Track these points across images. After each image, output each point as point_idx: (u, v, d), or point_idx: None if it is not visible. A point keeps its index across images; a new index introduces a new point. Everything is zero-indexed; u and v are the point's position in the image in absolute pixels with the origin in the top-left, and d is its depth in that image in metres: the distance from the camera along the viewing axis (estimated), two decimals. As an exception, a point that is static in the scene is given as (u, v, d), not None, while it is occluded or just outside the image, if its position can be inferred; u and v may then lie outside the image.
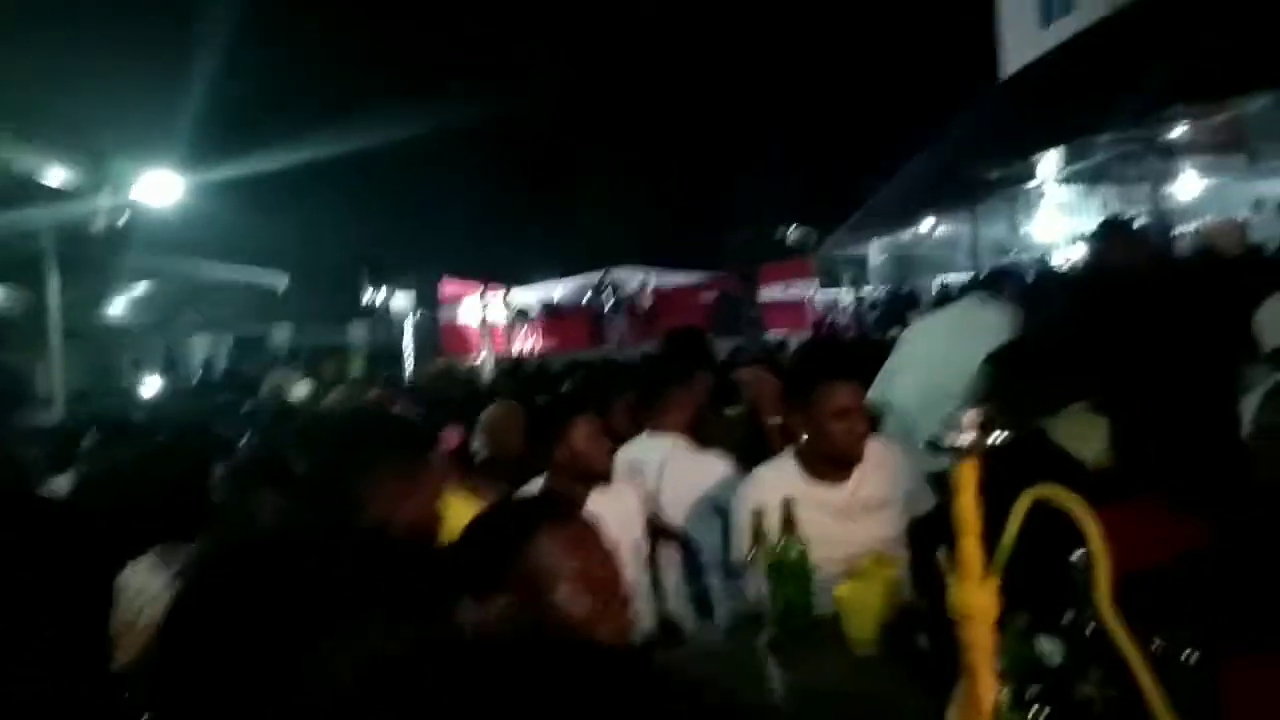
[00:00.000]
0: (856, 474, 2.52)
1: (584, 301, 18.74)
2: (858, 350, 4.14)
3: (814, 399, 2.46)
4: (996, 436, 2.06)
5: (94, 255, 9.51)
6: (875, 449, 2.57)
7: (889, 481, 2.57)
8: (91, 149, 7.59)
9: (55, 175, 7.43)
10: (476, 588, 1.32)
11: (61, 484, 3.34)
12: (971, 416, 1.77)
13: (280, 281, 12.90)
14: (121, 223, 8.15)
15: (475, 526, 1.48)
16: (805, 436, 2.52)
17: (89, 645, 1.27)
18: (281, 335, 19.04)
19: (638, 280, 19.18)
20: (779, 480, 2.48)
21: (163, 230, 9.41)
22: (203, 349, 17.28)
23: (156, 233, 9.41)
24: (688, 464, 2.94)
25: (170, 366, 14.74)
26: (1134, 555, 1.71)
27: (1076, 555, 1.46)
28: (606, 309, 18.42)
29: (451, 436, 3.14)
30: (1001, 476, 1.87)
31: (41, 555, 1.48)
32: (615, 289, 18.78)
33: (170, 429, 4.01)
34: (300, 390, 8.71)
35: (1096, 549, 1.40)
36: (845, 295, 16.44)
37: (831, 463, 2.51)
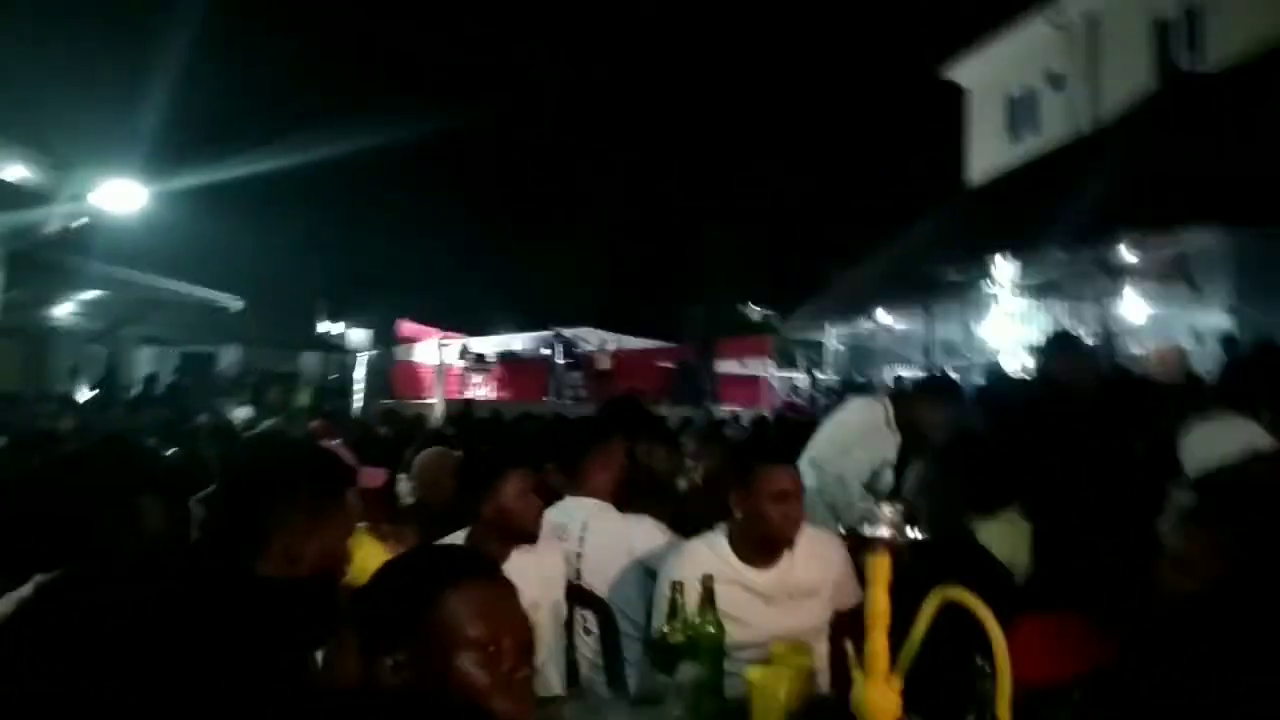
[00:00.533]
0: (786, 559, 2.51)
1: (542, 354, 18.70)
2: (804, 434, 4.17)
3: (752, 480, 2.46)
4: (916, 532, 2.08)
5: (45, 257, 9.30)
6: (809, 536, 2.56)
7: (819, 570, 2.56)
8: (55, 152, 7.49)
9: (14, 174, 7.31)
10: (373, 640, 1.25)
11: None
12: (890, 511, 1.77)
13: (234, 303, 12.69)
14: (77, 226, 8.01)
15: (385, 573, 1.42)
16: (739, 515, 2.51)
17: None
18: (231, 357, 18.68)
19: (597, 340, 19.24)
20: (706, 556, 2.45)
21: (119, 239, 9.26)
22: (147, 363, 16.86)
23: (113, 241, 9.25)
24: (610, 526, 2.91)
25: (110, 377, 14.31)
26: (1041, 668, 1.72)
27: (981, 661, 1.46)
28: (562, 364, 18.39)
29: (376, 476, 3.07)
30: (923, 574, 1.87)
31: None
32: (572, 346, 18.80)
33: (92, 439, 3.88)
34: (241, 414, 8.53)
35: (1001, 657, 1.40)
36: (801, 378, 16.61)
37: (763, 545, 2.49)
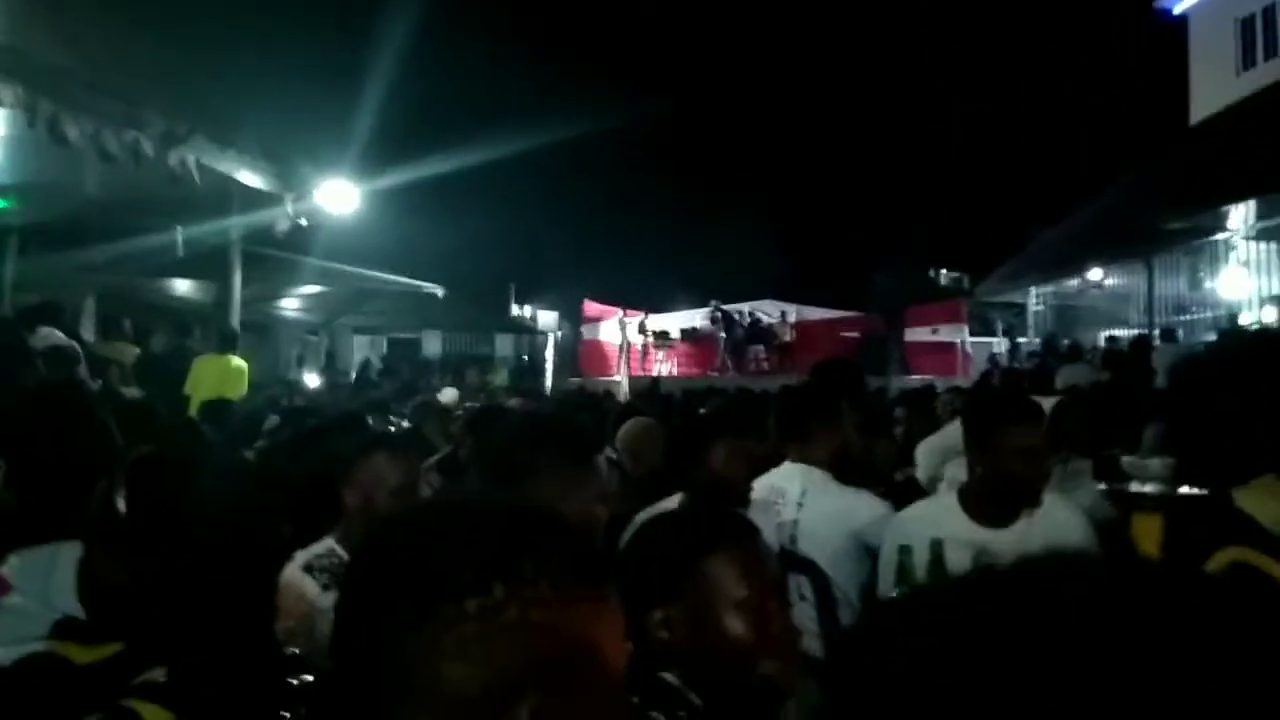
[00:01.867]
0: (1024, 521, 2.37)
1: (723, 330, 18.73)
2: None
3: (994, 435, 2.34)
4: (1186, 490, 1.90)
5: (275, 256, 10.27)
6: (1049, 500, 2.42)
7: (1057, 534, 2.40)
8: (280, 158, 8.21)
9: (247, 179, 8.07)
10: (640, 596, 1.28)
11: (246, 457, 3.61)
12: (1160, 465, 1.62)
13: (436, 290, 13.53)
14: (302, 225, 8.76)
15: (651, 533, 1.47)
16: (978, 473, 2.40)
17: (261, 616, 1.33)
18: (433, 341, 19.97)
19: (779, 313, 19.04)
20: (937, 516, 2.36)
21: (335, 236, 10.08)
22: (360, 349, 18.35)
23: (330, 238, 10.09)
24: (829, 497, 2.85)
25: (330, 363, 15.68)
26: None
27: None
28: (742, 337, 18.35)
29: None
30: (1186, 535, 1.71)
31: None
32: (756, 320, 18.72)
33: (333, 417, 4.26)
34: (447, 396, 9.07)
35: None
36: (999, 344, 15.69)
37: (1002, 504, 2.37)
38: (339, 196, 9.13)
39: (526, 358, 19.24)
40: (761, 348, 18.36)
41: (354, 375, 15.08)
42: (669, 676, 1.23)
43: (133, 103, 6.41)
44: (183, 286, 11.44)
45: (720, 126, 27.28)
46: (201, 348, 8.71)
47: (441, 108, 21.36)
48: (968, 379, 12.40)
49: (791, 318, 19.06)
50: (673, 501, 2.68)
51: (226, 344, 8.05)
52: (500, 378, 14.64)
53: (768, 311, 19.13)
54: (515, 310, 18.19)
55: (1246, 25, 14.48)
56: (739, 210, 24.84)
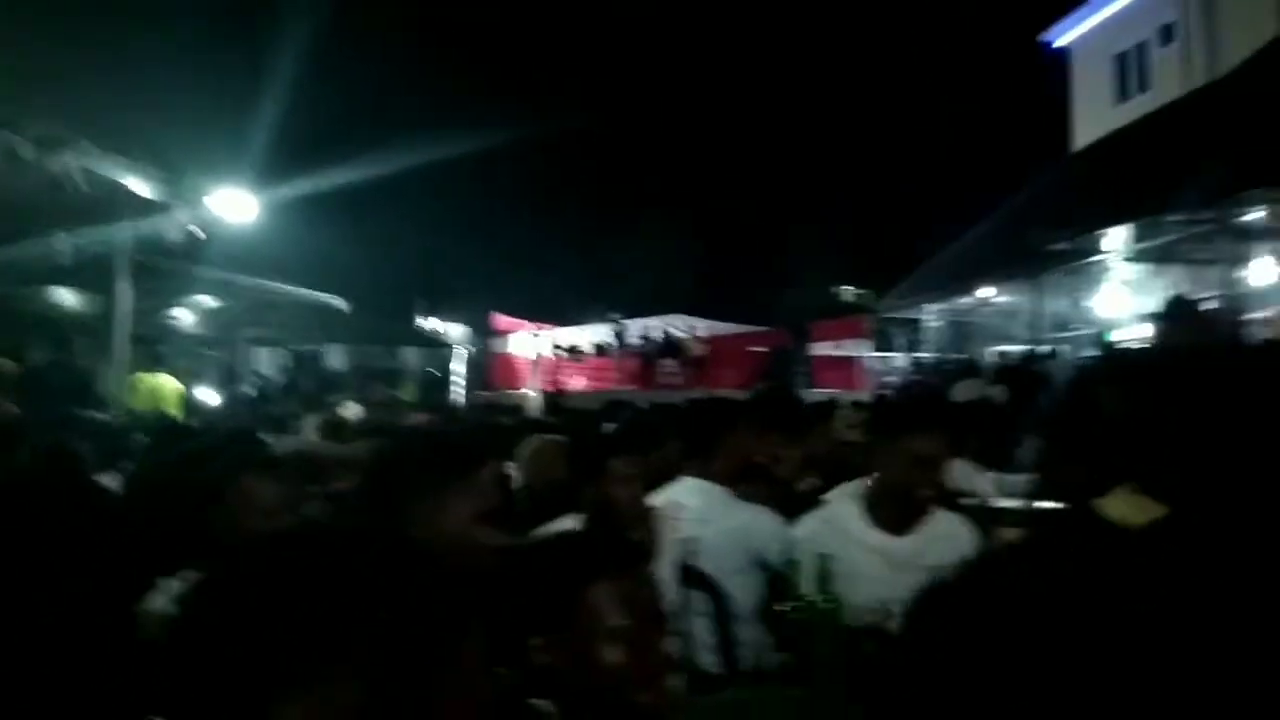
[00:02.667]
0: (920, 529, 2.46)
1: (633, 344, 18.85)
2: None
3: (898, 443, 2.41)
4: (1045, 505, 2.00)
5: (166, 266, 9.84)
6: (944, 515, 2.51)
7: (951, 544, 2.49)
8: (171, 164, 7.90)
9: (136, 187, 7.73)
10: (520, 619, 1.27)
11: (109, 480, 3.42)
12: (1021, 481, 1.69)
13: (339, 303, 13.18)
14: (195, 235, 8.44)
15: (535, 556, 1.46)
16: (879, 477, 2.48)
17: (120, 641, 1.27)
18: (337, 356, 19.42)
19: (688, 327, 19.29)
20: (838, 522, 2.43)
21: (233, 246, 9.73)
22: (260, 363, 17.70)
23: (227, 248, 9.73)
24: (729, 514, 2.89)
25: (229, 379, 15.07)
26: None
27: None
28: (655, 353, 18.51)
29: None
30: (1049, 547, 1.80)
31: (93, 546, 1.49)
32: (666, 335, 18.91)
33: (219, 434, 4.09)
34: (350, 410, 8.84)
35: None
36: (899, 358, 16.22)
37: (899, 509, 2.45)
38: (236, 205, 8.83)
39: (435, 371, 18.94)
40: (674, 362, 18.56)
41: (250, 390, 14.54)
42: (542, 704, 1.23)
43: (8, 104, 6.09)
44: (65, 297, 10.85)
45: (629, 142, 27.49)
46: (85, 362, 8.28)
47: (345, 117, 20.92)
48: (869, 393, 12.76)
49: (701, 333, 19.32)
50: (569, 521, 2.68)
51: (155, 361, 7.79)
52: (407, 392, 14.34)
53: (678, 326, 19.36)
54: (422, 323, 17.88)
55: (1121, 60, 15.45)
56: (649, 226, 25.02)
